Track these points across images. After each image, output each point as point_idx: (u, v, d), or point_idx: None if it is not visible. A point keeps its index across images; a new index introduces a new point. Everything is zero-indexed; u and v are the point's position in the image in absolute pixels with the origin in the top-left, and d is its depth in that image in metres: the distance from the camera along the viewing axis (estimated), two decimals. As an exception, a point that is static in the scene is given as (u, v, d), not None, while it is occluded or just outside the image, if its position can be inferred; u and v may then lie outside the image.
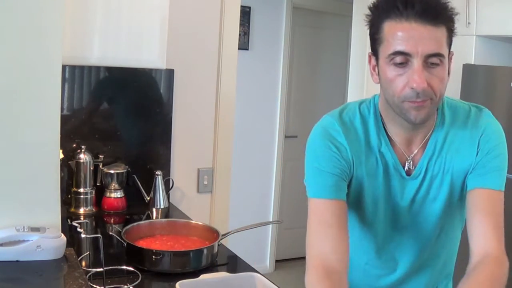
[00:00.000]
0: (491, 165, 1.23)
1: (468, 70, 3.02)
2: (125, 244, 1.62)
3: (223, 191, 2.57)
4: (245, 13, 4.01)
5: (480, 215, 1.19)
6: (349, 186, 1.28)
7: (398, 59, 1.12)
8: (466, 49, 3.07)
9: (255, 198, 4.29)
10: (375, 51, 1.19)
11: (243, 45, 4.04)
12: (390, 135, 1.27)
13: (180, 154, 2.42)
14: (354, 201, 1.31)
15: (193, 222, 1.89)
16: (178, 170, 2.42)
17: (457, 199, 1.30)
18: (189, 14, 2.39)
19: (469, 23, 3.00)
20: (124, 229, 1.69)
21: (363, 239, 1.37)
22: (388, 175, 1.27)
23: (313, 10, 4.45)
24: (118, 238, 1.66)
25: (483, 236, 1.17)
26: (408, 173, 1.28)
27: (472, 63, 3.07)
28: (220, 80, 2.48)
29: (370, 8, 1.18)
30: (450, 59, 1.17)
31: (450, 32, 1.14)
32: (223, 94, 2.49)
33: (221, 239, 1.71)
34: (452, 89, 3.02)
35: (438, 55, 1.10)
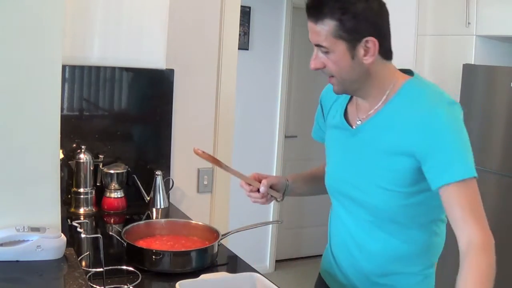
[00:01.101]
0: (446, 158, 1.23)
1: (468, 70, 3.02)
2: (125, 244, 1.62)
3: (223, 191, 2.57)
4: (245, 13, 4.01)
5: (456, 209, 1.23)
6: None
7: None
8: (466, 49, 3.07)
9: (255, 198, 4.28)
10: None
11: (243, 45, 4.04)
12: (355, 99, 1.45)
13: (180, 154, 2.42)
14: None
15: (193, 222, 1.89)
16: (178, 170, 2.42)
17: (404, 182, 1.32)
18: (189, 14, 2.38)
19: (469, 23, 2.99)
20: (124, 229, 1.69)
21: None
22: (335, 129, 1.49)
23: (313, 10, 4.44)
24: (118, 238, 1.66)
25: (463, 227, 1.22)
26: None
27: (472, 63, 3.07)
28: (220, 80, 2.48)
29: None
30: (366, 43, 1.27)
31: (342, 23, 1.26)
32: (223, 94, 2.49)
33: (221, 239, 1.71)
34: (452, 89, 3.02)
35: (320, 46, 1.31)
